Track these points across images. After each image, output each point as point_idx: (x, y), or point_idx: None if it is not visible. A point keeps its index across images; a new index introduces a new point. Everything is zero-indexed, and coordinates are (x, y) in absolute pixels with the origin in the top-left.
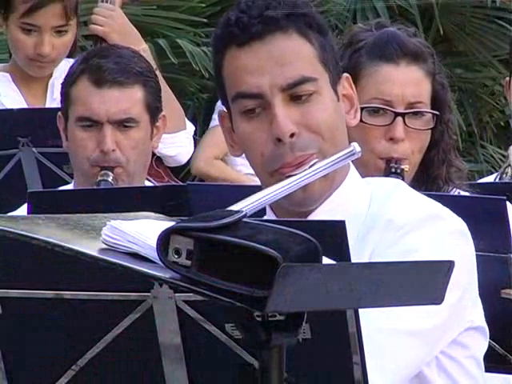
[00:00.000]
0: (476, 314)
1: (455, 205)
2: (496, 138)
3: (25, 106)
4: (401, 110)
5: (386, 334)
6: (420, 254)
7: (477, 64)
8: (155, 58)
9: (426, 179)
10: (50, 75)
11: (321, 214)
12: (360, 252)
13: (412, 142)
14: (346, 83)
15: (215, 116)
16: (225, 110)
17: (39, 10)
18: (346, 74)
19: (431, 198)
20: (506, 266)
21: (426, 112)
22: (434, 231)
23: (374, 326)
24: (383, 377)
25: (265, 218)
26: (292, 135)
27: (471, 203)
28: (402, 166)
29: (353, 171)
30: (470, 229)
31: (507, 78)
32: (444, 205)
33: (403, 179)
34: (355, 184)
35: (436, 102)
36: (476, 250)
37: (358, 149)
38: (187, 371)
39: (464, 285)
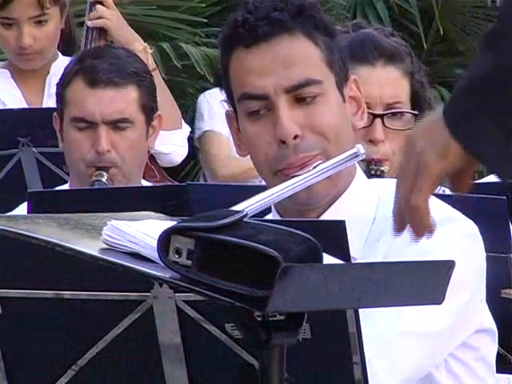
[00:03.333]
0: (486, 317)
1: (455, 204)
2: None
3: (23, 101)
4: (379, 111)
5: (395, 335)
6: (433, 256)
7: None
8: (156, 58)
9: None
10: (48, 71)
11: (329, 217)
12: (372, 255)
13: (392, 142)
14: (353, 85)
15: (202, 125)
16: (232, 110)
17: (12, 2)
18: (353, 76)
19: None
20: (506, 266)
21: (405, 112)
22: (447, 234)
23: (383, 328)
24: (390, 377)
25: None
26: (296, 137)
27: (471, 203)
28: (382, 168)
29: (360, 174)
30: None
31: None
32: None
33: None
34: (362, 186)
35: (416, 100)
36: None
37: (363, 150)
38: (187, 371)
39: (474, 287)
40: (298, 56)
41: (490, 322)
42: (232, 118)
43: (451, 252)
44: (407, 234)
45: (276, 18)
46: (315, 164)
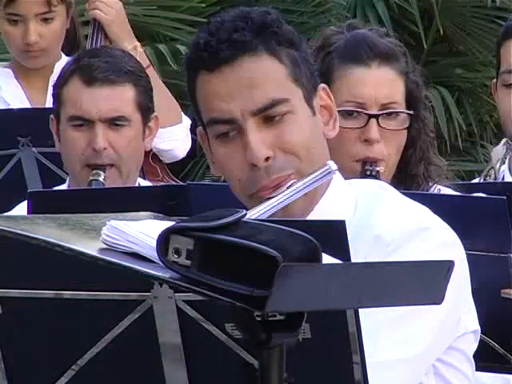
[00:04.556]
0: (470, 319)
1: (455, 205)
2: (496, 138)
3: (26, 100)
4: (374, 111)
5: (376, 368)
6: None
7: (477, 64)
8: (153, 60)
9: (405, 178)
10: (51, 71)
11: None
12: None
13: (388, 142)
14: (323, 94)
15: None
16: (203, 129)
17: None
18: (322, 85)
19: (430, 198)
20: (506, 266)
21: (400, 112)
22: (422, 245)
23: (370, 360)
24: None
25: None
26: (267, 159)
27: (471, 203)
28: (378, 168)
29: (337, 176)
30: (470, 229)
31: (494, 80)
32: (444, 205)
33: None
34: (339, 190)
35: (411, 100)
36: (476, 250)
37: (334, 167)
38: (187, 371)
39: (456, 294)
40: (261, 77)
41: (474, 324)
42: (204, 137)
43: None
44: (383, 247)
45: (237, 39)
46: (288, 184)
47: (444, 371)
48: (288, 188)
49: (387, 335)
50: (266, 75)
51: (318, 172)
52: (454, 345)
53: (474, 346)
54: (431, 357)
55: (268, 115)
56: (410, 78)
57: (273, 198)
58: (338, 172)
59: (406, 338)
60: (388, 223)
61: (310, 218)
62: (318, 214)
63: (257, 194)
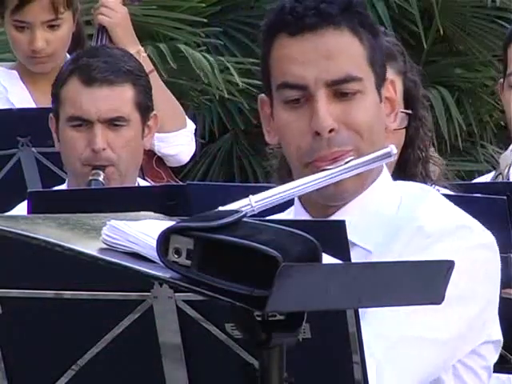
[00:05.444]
0: (494, 328)
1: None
2: (496, 138)
3: (31, 102)
4: None
5: (407, 341)
6: None
7: (477, 64)
8: (156, 61)
9: (404, 177)
10: (57, 72)
11: (350, 209)
12: (388, 254)
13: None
14: (390, 86)
15: None
16: (265, 96)
17: (27, 6)
18: (390, 78)
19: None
20: (506, 266)
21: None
22: (462, 243)
23: (395, 333)
24: (398, 382)
25: (293, 210)
26: (331, 130)
27: (471, 203)
28: None
29: (385, 172)
30: None
31: (501, 80)
32: None
33: None
34: (386, 184)
35: (409, 99)
36: None
37: (395, 151)
38: (187, 371)
39: (488, 298)
40: (340, 51)
41: (497, 334)
42: (265, 103)
43: (465, 262)
44: (423, 238)
45: (324, 10)
46: (347, 160)
47: (463, 373)
48: (346, 163)
49: (426, 314)
50: (345, 50)
51: (380, 152)
52: (477, 350)
53: (496, 357)
54: (462, 346)
55: (340, 89)
56: (408, 77)
57: (328, 170)
58: (386, 167)
59: (443, 320)
60: (430, 217)
61: (357, 200)
62: (364, 198)
63: (313, 164)
